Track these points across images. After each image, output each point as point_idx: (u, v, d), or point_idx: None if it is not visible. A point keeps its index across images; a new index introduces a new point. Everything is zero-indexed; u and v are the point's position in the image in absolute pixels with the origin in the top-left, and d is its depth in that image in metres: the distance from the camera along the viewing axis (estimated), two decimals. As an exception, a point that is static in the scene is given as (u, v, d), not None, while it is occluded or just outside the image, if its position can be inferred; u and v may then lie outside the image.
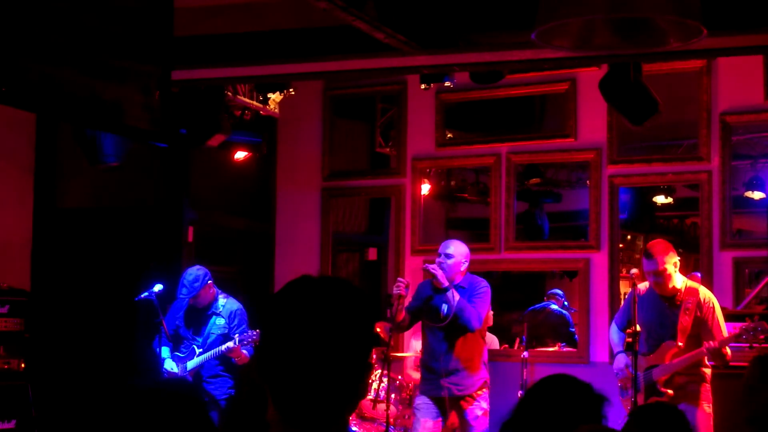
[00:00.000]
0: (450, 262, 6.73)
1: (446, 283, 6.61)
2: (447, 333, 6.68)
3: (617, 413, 5.74)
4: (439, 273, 6.63)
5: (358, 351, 1.91)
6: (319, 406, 1.88)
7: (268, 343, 1.92)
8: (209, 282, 7.25)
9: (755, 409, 3.77)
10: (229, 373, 7.33)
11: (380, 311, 9.48)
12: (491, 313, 7.09)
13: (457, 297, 6.60)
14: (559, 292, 10.08)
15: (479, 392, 6.70)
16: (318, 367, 1.86)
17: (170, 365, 7.24)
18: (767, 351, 6.18)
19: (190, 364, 7.24)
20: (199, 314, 7.34)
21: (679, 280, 6.41)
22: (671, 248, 6.41)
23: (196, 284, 7.19)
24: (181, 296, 7.23)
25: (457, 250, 6.78)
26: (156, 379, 6.71)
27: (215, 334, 7.28)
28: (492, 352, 8.64)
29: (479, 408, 6.66)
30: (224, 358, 7.24)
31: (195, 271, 7.24)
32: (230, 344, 7.10)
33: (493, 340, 8.89)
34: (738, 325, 6.30)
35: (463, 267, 6.80)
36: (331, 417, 1.90)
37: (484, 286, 6.77)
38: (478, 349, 6.76)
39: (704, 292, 6.40)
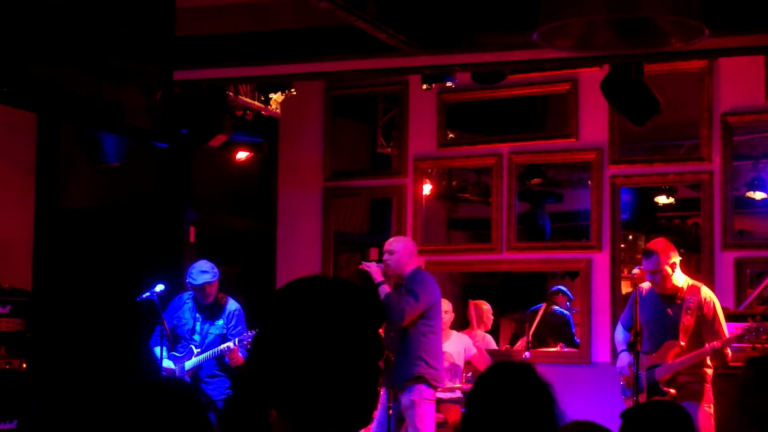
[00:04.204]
0: (394, 257, 6.99)
1: (379, 279, 6.93)
2: (388, 327, 6.87)
3: (617, 412, 5.73)
4: (372, 269, 6.97)
5: (357, 353, 1.87)
6: (315, 406, 1.85)
7: (264, 342, 1.90)
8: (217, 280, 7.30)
9: (757, 411, 3.76)
10: (227, 373, 7.33)
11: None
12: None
13: (385, 292, 6.86)
14: (563, 288, 10.06)
15: (410, 383, 6.80)
16: (312, 366, 1.84)
17: (168, 364, 7.25)
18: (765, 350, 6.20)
19: (188, 364, 7.24)
20: (211, 311, 7.33)
21: (680, 279, 6.40)
22: (671, 247, 6.40)
23: (215, 271, 7.21)
24: (194, 281, 7.19)
25: (399, 245, 7.07)
26: (154, 378, 6.71)
27: (213, 334, 7.28)
28: (492, 353, 8.66)
29: (408, 399, 6.78)
30: (220, 359, 7.24)
31: (211, 265, 7.27)
32: (230, 345, 7.09)
33: (489, 340, 8.88)
34: (740, 326, 6.30)
35: (407, 261, 7.01)
36: (330, 419, 1.87)
37: (418, 281, 6.95)
38: (414, 343, 6.86)
39: (705, 292, 6.39)
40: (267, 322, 1.92)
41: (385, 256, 7.03)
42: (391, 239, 7.25)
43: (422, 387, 6.84)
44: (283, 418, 1.87)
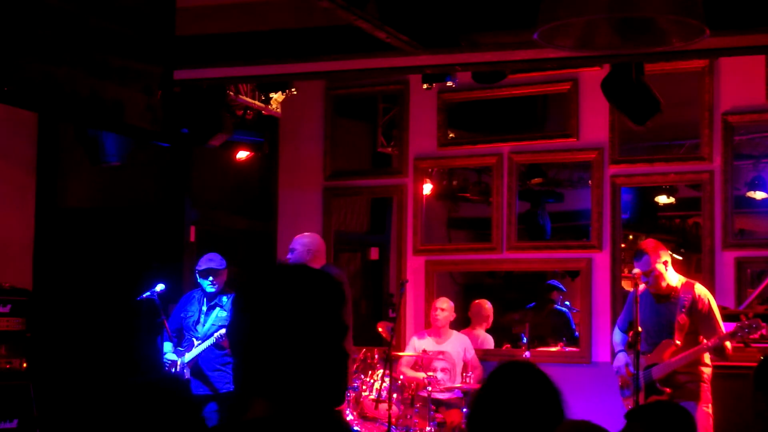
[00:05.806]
0: (294, 255, 7.26)
1: None
2: None
3: (617, 412, 5.73)
4: None
5: (322, 331, 1.99)
6: (289, 383, 1.96)
7: (237, 328, 2.03)
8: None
9: (757, 409, 3.78)
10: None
11: (380, 309, 9.50)
12: None
13: None
14: (555, 282, 10.05)
15: None
16: (281, 346, 1.96)
17: (172, 357, 7.34)
18: (764, 349, 6.19)
19: (188, 356, 7.30)
20: (216, 303, 7.43)
21: (674, 278, 6.40)
22: (661, 246, 6.41)
23: (222, 261, 7.39)
24: (199, 267, 7.37)
25: (298, 243, 7.32)
26: (147, 376, 6.72)
27: (216, 326, 7.33)
28: (493, 353, 8.66)
29: None
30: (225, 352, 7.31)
31: (219, 256, 7.45)
32: (222, 332, 7.18)
33: (487, 340, 8.87)
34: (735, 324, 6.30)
35: (308, 258, 7.20)
36: (303, 394, 1.97)
37: (333, 275, 7.06)
38: None
39: (699, 289, 6.39)
40: (237, 311, 2.05)
41: (288, 255, 7.27)
42: (297, 237, 7.44)
43: None
44: (262, 398, 1.97)
